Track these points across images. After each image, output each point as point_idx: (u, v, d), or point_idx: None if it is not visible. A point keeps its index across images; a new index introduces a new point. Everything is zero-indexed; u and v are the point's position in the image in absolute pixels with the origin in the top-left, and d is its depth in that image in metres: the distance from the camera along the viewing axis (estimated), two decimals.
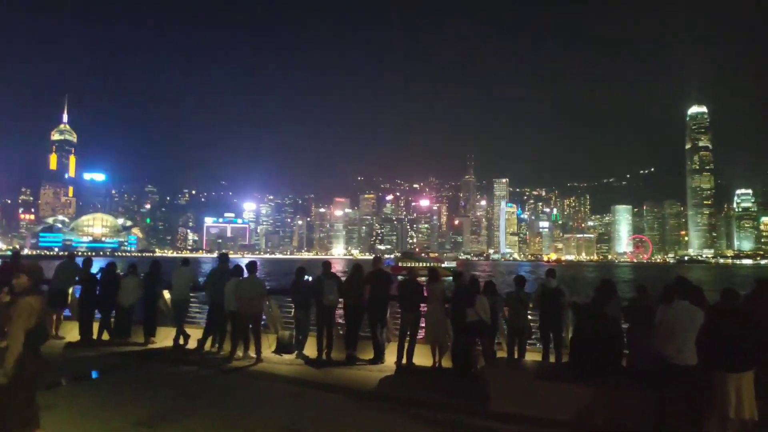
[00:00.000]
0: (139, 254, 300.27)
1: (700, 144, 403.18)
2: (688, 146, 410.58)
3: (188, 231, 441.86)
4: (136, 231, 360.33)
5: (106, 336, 12.09)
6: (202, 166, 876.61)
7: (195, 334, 11.80)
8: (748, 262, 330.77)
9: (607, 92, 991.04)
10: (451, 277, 11.12)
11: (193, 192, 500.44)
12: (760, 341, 6.09)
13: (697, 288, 7.43)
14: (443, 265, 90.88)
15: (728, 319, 6.22)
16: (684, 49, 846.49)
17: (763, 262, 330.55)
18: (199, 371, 9.65)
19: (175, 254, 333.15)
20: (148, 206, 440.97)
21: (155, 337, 12.11)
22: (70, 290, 12.84)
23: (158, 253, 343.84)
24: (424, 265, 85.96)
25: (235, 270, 11.17)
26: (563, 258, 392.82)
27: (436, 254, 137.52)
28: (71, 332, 12.36)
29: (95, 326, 12.17)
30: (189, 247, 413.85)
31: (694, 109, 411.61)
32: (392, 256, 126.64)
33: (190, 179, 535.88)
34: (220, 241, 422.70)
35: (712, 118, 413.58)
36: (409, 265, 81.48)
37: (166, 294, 12.56)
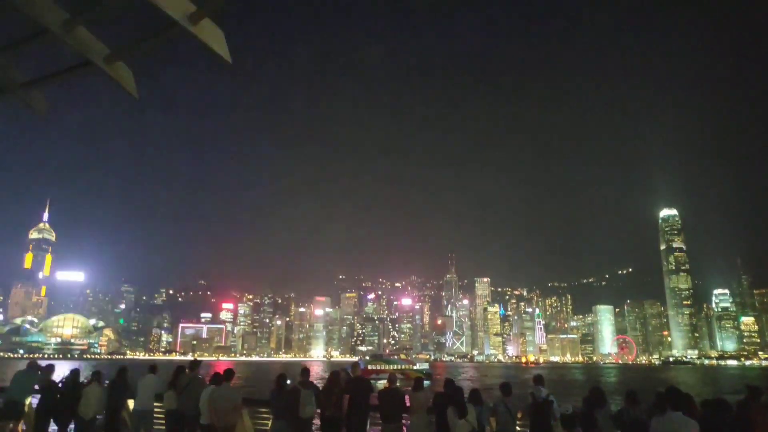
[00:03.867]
0: (109, 356, 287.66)
1: (674, 245, 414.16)
2: (663, 247, 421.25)
3: (162, 332, 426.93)
4: (108, 332, 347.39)
5: None
6: (179, 266, 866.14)
7: None
8: (733, 362, 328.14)
9: (583, 194, 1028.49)
10: (425, 381, 10.53)
11: (170, 292, 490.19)
12: None
13: (687, 396, 7.18)
14: (415, 367, 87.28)
15: (724, 430, 6.24)
16: (654, 152, 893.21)
17: (747, 362, 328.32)
18: None
19: (147, 356, 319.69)
20: (122, 306, 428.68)
21: None
22: (27, 401, 11.92)
23: (129, 355, 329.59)
24: (396, 367, 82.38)
25: (214, 378, 10.48)
26: (542, 360, 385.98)
27: (406, 356, 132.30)
28: None
29: None
30: (162, 349, 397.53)
31: (665, 212, 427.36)
32: (359, 358, 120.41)
33: (168, 279, 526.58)
34: (195, 342, 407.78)
35: (684, 220, 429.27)
36: (378, 367, 77.54)
37: (131, 403, 11.71)
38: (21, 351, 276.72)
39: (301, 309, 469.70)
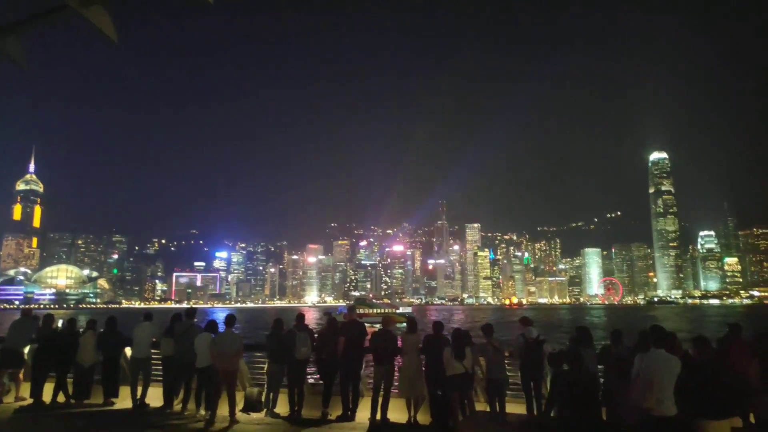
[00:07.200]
0: (105, 306, 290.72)
1: (663, 188, 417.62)
2: (651, 190, 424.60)
3: (157, 281, 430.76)
4: (102, 282, 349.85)
5: (61, 398, 11.35)
6: (172, 215, 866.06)
7: (158, 393, 11.17)
8: (715, 302, 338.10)
9: (572, 138, 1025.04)
10: (404, 324, 10.71)
11: (163, 241, 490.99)
12: (737, 387, 6.27)
13: (671, 334, 7.37)
14: (398, 311, 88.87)
15: (704, 367, 6.38)
16: (644, 96, 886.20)
17: (729, 301, 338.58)
18: None
19: (142, 305, 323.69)
20: (115, 256, 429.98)
21: (117, 397, 11.43)
22: (26, 350, 12.09)
23: (125, 304, 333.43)
24: (379, 311, 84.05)
25: (210, 325, 10.69)
26: (526, 301, 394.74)
27: (389, 300, 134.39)
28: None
29: (51, 387, 11.43)
30: (157, 298, 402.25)
31: (655, 155, 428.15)
32: (344, 303, 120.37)
33: (160, 228, 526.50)
34: (189, 290, 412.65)
35: (673, 164, 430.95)
36: (363, 312, 78.71)
37: (128, 351, 11.91)
38: (16, 302, 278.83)
39: (294, 257, 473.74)
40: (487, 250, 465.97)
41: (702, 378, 6.21)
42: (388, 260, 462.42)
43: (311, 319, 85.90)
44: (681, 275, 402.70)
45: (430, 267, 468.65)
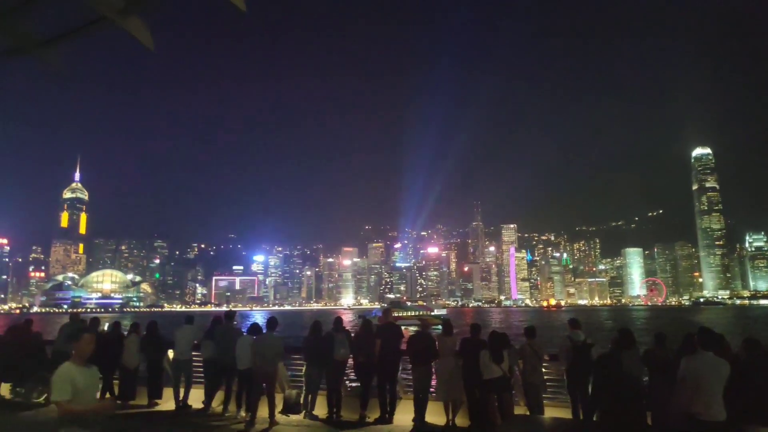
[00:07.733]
0: (148, 309, 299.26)
1: (707, 185, 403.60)
2: (695, 187, 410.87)
3: (197, 285, 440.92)
4: (145, 286, 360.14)
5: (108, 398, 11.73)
6: (210, 220, 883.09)
7: (199, 394, 11.43)
8: (765, 302, 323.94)
9: (611, 136, 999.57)
10: (439, 326, 10.67)
11: (202, 246, 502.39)
12: None
13: (719, 336, 7.08)
14: (433, 314, 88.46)
15: (755, 370, 6.08)
16: (686, 89, 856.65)
17: None
18: None
19: (183, 309, 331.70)
20: (157, 261, 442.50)
21: (161, 398, 11.75)
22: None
23: (167, 307, 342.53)
24: (413, 314, 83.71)
25: (252, 328, 10.85)
26: (563, 303, 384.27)
27: (424, 302, 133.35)
28: None
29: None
30: (198, 301, 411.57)
31: (698, 151, 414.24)
32: (379, 305, 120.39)
33: (199, 233, 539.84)
34: (228, 294, 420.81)
35: (717, 159, 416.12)
36: (397, 314, 78.33)
37: (171, 353, 12.24)
38: (65, 306, 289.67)
39: (330, 259, 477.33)
40: (523, 251, 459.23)
41: (753, 382, 5.95)
42: (423, 262, 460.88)
43: (346, 322, 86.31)
44: (728, 275, 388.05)
45: (466, 269, 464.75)
